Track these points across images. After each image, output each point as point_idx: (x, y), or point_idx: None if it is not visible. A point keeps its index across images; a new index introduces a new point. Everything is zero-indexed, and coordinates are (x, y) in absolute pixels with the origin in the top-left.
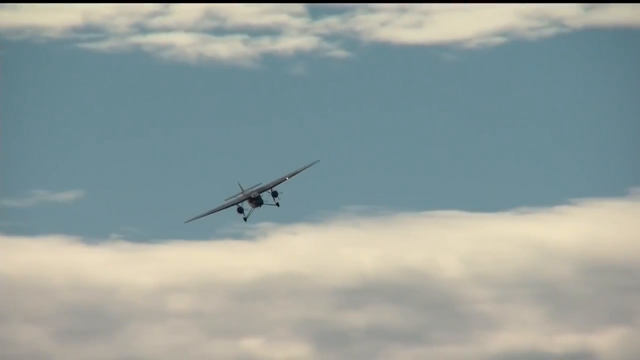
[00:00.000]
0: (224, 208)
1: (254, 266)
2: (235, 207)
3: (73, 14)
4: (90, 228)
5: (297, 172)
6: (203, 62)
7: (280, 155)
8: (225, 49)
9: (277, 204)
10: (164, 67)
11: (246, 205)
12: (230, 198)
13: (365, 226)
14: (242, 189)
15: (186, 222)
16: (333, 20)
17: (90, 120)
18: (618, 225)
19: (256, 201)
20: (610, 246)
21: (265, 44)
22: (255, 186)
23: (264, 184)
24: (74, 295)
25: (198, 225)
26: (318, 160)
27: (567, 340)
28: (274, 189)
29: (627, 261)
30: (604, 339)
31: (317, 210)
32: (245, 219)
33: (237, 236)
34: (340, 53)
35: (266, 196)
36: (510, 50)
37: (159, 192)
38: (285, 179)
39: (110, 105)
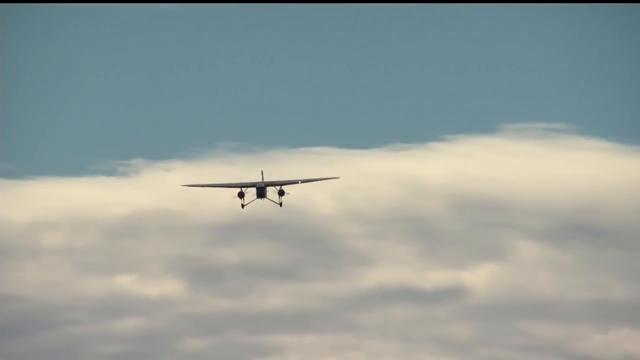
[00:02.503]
0: (226, 186)
1: (127, 203)
2: (237, 189)
3: None
4: None
5: (312, 180)
6: None
7: (143, 89)
8: None
9: (280, 204)
10: None
11: (250, 192)
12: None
13: (239, 163)
14: (262, 177)
15: (183, 185)
16: None
17: None
18: (489, 162)
19: (259, 192)
20: (482, 183)
21: None
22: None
23: (279, 180)
24: None
25: (70, 160)
26: (338, 177)
27: (439, 276)
28: (282, 188)
29: (498, 197)
30: (475, 275)
31: (190, 146)
32: (242, 206)
33: (110, 173)
34: None
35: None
36: None
37: (30, 128)
38: (298, 182)
39: None
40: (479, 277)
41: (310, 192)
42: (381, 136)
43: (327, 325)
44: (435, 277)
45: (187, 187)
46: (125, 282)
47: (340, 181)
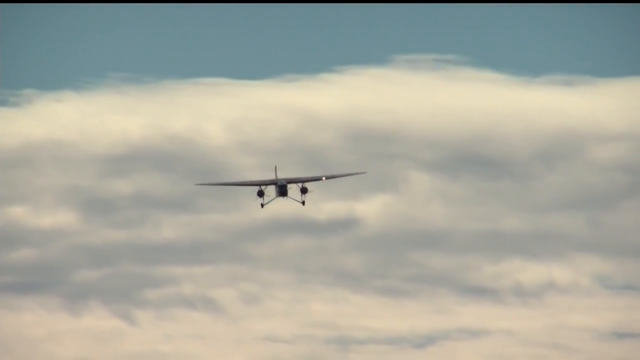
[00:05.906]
0: (244, 185)
1: (19, 133)
2: (256, 188)
3: None
4: None
5: (337, 176)
6: None
7: (35, 19)
8: None
9: (303, 202)
10: None
11: (270, 191)
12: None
13: (130, 93)
14: (276, 174)
15: (197, 184)
16: None
17: None
18: (381, 93)
19: (281, 190)
20: (374, 114)
21: None
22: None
23: (301, 177)
24: None
25: None
26: (365, 172)
27: (332, 207)
28: (305, 185)
29: (390, 129)
30: (368, 206)
31: (81, 77)
32: (262, 205)
33: (1, 103)
34: None
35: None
36: None
37: None
38: (322, 179)
39: None
40: (371, 208)
41: (201, 123)
42: (272, 67)
43: (220, 257)
44: (328, 208)
45: (201, 185)
46: (18, 213)
47: (232, 112)
